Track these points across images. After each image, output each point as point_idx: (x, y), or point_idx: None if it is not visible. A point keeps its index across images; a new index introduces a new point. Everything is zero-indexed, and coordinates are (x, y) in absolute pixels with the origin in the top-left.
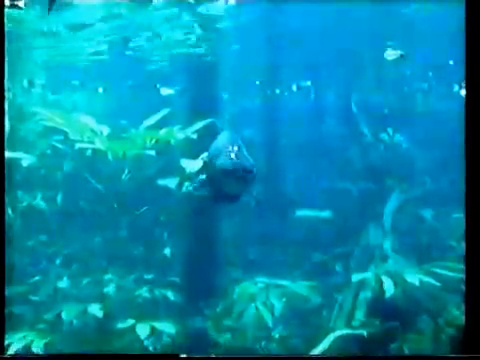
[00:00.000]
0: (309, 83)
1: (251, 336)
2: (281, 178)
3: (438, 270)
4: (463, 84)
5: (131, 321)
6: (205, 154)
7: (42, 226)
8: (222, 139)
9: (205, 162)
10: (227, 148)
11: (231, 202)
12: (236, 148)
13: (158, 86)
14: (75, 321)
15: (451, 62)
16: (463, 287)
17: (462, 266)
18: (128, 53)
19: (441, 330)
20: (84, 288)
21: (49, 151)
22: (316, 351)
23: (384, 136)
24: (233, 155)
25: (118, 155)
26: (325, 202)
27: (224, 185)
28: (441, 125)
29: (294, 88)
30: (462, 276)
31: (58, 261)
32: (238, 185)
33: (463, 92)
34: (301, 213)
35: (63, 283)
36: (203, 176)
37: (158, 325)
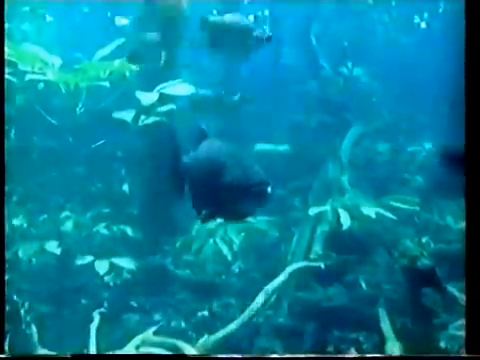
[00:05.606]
0: (267, 13)
1: (210, 271)
2: (238, 111)
3: (393, 203)
4: (425, 16)
5: (90, 258)
6: (161, 86)
7: None
8: (218, 150)
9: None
10: (233, 160)
11: (242, 219)
12: (245, 160)
13: (110, 15)
14: (33, 259)
15: None
16: (417, 220)
17: (416, 199)
18: None
19: (395, 261)
20: (41, 225)
21: None
22: (274, 283)
23: (343, 69)
24: (245, 168)
25: (71, 87)
26: (283, 136)
27: (238, 203)
28: (400, 58)
29: (251, 18)
30: (416, 208)
31: (14, 199)
32: (255, 201)
33: (424, 25)
34: (259, 147)
35: (19, 221)
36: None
37: (117, 261)
